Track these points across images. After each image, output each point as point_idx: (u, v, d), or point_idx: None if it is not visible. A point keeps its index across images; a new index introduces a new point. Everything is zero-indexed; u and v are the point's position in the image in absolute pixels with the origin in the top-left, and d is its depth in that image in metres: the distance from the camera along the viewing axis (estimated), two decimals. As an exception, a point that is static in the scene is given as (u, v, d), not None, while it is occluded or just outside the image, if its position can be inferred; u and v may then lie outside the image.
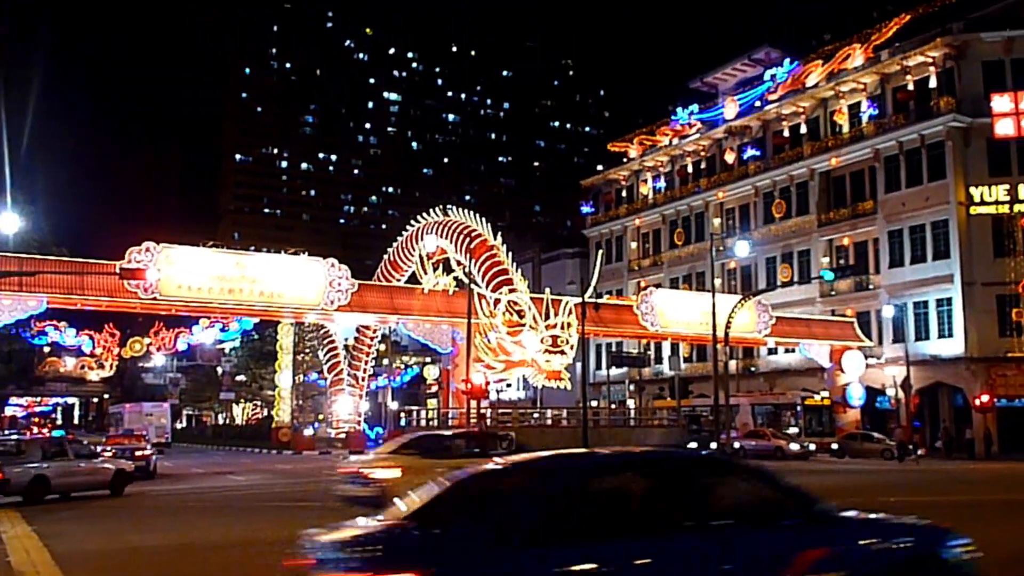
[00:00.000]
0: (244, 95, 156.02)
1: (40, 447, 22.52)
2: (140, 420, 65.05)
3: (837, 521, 6.38)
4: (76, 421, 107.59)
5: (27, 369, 75.43)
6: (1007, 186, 45.74)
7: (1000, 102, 45.73)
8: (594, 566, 5.22)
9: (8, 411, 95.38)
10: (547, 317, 36.52)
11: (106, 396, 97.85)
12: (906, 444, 40.07)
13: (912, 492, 22.33)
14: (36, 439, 25.93)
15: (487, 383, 35.33)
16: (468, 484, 6.25)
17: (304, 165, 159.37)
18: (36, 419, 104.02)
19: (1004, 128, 45.57)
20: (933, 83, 48.62)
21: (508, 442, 23.12)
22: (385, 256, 45.98)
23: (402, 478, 15.94)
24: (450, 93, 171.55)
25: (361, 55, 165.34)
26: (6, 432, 67.34)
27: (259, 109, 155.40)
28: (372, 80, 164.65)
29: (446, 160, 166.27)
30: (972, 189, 46.27)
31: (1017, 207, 45.31)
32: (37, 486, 20.77)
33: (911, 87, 49.80)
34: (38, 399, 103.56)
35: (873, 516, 6.94)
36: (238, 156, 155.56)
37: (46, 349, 73.61)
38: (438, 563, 5.00)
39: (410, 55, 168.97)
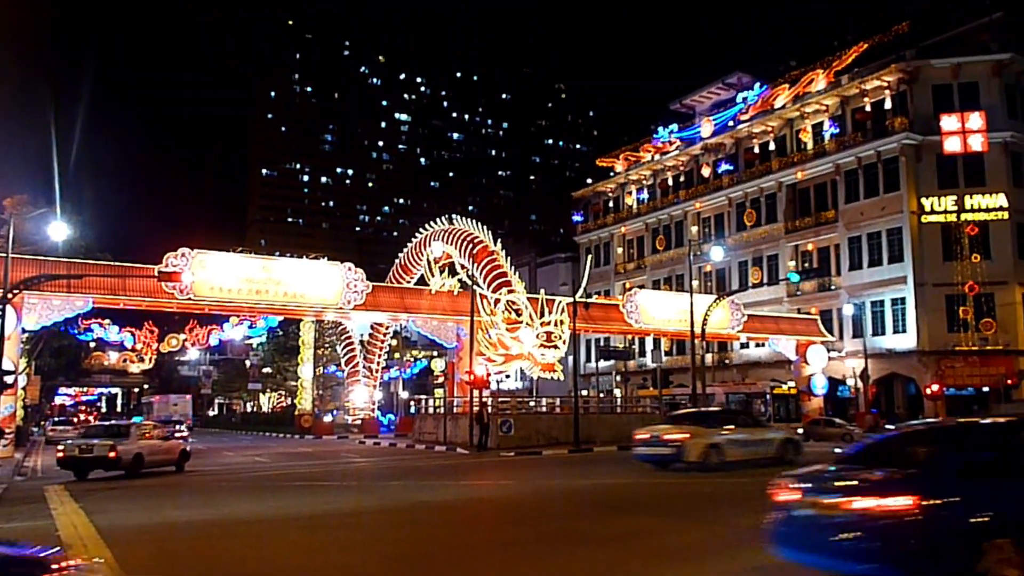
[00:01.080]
0: (270, 116, 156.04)
1: (136, 431, 24.09)
2: (167, 408, 65.80)
3: None
4: (119, 409, 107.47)
5: (75, 362, 75.40)
6: (954, 197, 45.78)
7: (948, 122, 45.77)
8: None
9: (58, 400, 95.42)
10: (542, 315, 36.53)
11: (145, 386, 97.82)
12: (876, 429, 40.14)
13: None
14: (133, 424, 26.87)
15: (488, 374, 35.29)
16: (904, 438, 8.73)
17: (324, 179, 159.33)
18: (83, 407, 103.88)
19: (952, 145, 45.61)
20: (888, 105, 48.67)
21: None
22: (396, 260, 45.95)
23: (689, 439, 20.79)
24: (455, 114, 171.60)
25: (375, 80, 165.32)
26: (56, 419, 67.25)
27: (283, 128, 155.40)
28: (384, 102, 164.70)
29: (451, 174, 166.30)
30: (923, 200, 46.32)
31: (963, 216, 45.34)
32: (136, 462, 22.42)
33: (868, 108, 49.85)
34: (84, 389, 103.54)
35: None
36: (264, 170, 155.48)
37: (92, 344, 73.57)
38: (924, 490, 6.89)
39: (419, 80, 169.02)
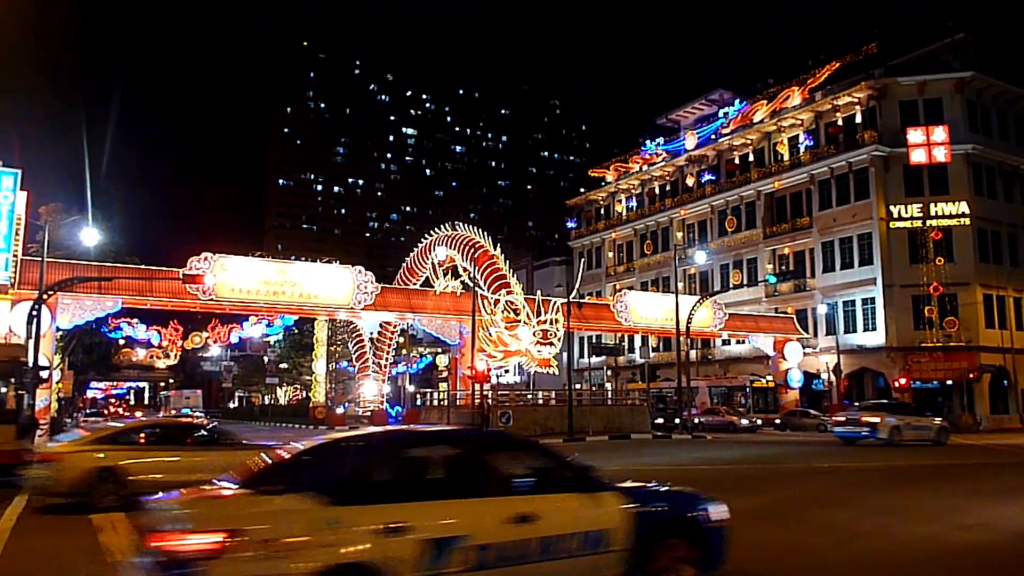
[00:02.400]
0: (286, 130, 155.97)
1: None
2: (181, 401, 66.23)
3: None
4: (146, 402, 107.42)
5: (105, 358, 75.22)
6: (920, 205, 45.80)
7: (915, 135, 45.81)
8: None
9: (89, 393, 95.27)
10: (538, 314, 36.51)
11: (171, 381, 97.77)
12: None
13: (845, 459, 22.36)
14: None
15: (488, 369, 35.27)
16: None
17: (336, 188, 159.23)
18: (112, 400, 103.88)
19: (918, 157, 45.64)
20: (859, 119, 48.67)
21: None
22: (403, 264, 45.89)
23: (880, 422, 26.34)
24: (457, 128, 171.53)
25: (383, 97, 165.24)
26: (88, 411, 67.15)
27: (298, 142, 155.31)
28: (392, 117, 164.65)
29: (454, 184, 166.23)
30: (891, 207, 46.32)
31: (929, 222, 45.36)
32: None
33: (840, 122, 49.87)
34: (114, 383, 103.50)
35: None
36: (281, 181, 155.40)
37: (121, 342, 73.43)
38: None
39: (424, 96, 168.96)
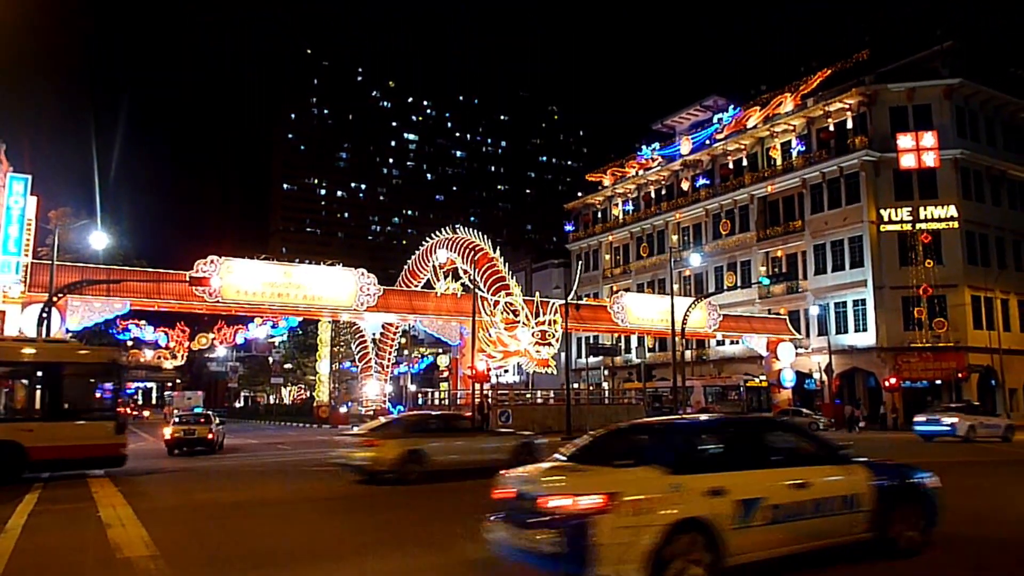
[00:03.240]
0: (290, 136, 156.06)
1: (214, 419, 28.69)
2: (183, 401, 66.49)
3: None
4: (153, 402, 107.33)
5: (113, 359, 75.35)
6: (910, 208, 45.87)
7: (904, 140, 45.90)
8: None
9: (97, 394, 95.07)
10: (537, 316, 36.54)
11: (178, 381, 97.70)
12: (856, 418, 40.32)
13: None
14: (212, 413, 31.72)
15: (488, 369, 35.28)
16: None
17: (339, 192, 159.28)
18: (120, 400, 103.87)
19: (907, 161, 45.73)
20: (850, 125, 48.74)
21: None
22: (405, 266, 45.91)
23: (959, 422, 28.58)
24: (458, 134, 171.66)
25: (385, 103, 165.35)
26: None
27: (302, 147, 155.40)
28: (394, 123, 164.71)
29: (455, 188, 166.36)
30: (881, 211, 46.38)
31: (918, 225, 45.43)
32: (218, 443, 27.16)
33: (832, 128, 49.91)
34: (18, 381, 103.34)
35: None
36: (285, 185, 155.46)
37: (129, 343, 73.46)
38: None
39: (425, 103, 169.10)
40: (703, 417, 10.34)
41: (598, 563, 6.20)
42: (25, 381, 17.45)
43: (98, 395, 18.14)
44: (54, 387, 17.18)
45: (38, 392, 17.26)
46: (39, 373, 17.25)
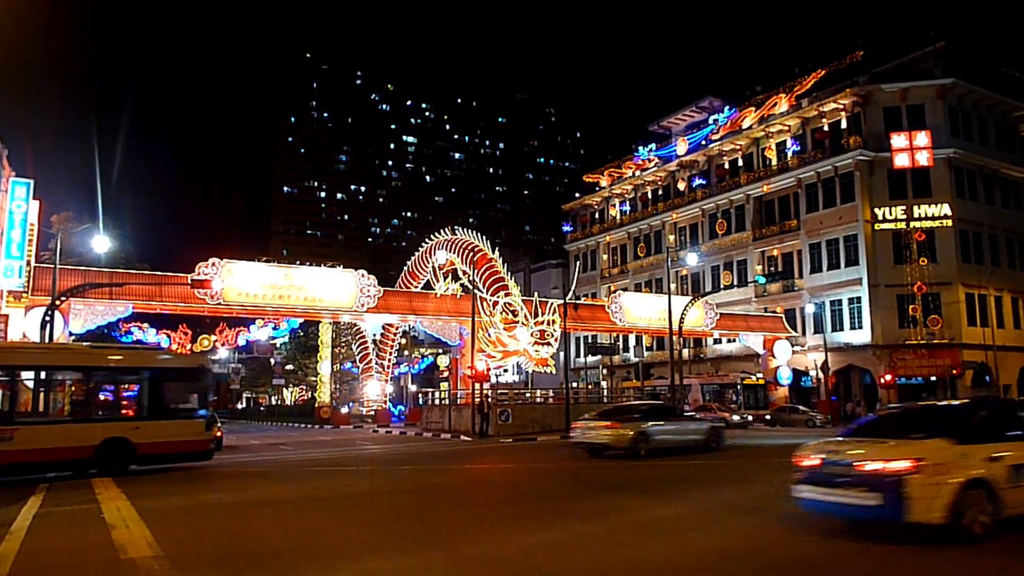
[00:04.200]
0: (291, 139, 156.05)
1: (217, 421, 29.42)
2: None
3: None
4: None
5: (116, 362, 75.13)
6: (904, 207, 45.92)
7: (898, 140, 45.92)
8: None
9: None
10: (536, 315, 36.54)
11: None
12: (857, 415, 40.34)
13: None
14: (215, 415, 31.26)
15: (488, 369, 35.29)
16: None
17: (339, 195, 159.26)
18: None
19: (901, 160, 45.76)
20: (844, 125, 48.77)
21: None
22: (405, 267, 45.94)
23: None
24: (456, 136, 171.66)
25: (384, 106, 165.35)
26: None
27: (303, 150, 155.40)
28: (393, 126, 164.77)
29: (453, 190, 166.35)
30: (876, 210, 46.42)
31: (912, 224, 45.47)
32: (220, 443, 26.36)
33: (826, 128, 49.96)
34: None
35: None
36: (286, 188, 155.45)
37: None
38: None
39: (424, 105, 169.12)
40: (969, 400, 12.12)
41: (910, 512, 8.18)
42: (133, 385, 19.61)
43: (191, 396, 20.32)
44: (156, 390, 19.36)
45: (143, 395, 19.33)
46: (144, 378, 19.35)
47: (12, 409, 17.80)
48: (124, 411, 19.63)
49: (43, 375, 18.55)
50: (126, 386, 19.90)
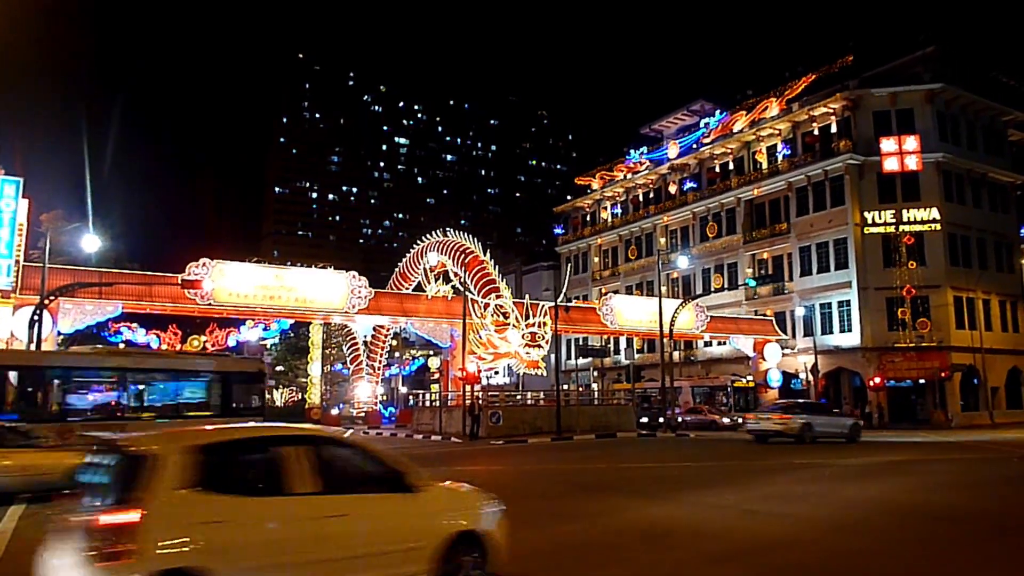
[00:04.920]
0: (282, 140, 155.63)
1: None
2: None
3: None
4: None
5: (105, 362, 74.76)
6: (893, 211, 46.10)
7: (887, 144, 46.12)
8: None
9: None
10: (527, 318, 36.50)
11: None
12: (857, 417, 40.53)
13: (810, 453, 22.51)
14: None
15: (479, 371, 35.22)
16: None
17: (331, 196, 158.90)
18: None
19: (891, 165, 45.96)
20: (834, 129, 48.93)
21: None
22: (396, 269, 45.84)
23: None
24: (448, 138, 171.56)
25: (377, 107, 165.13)
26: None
27: (294, 151, 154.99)
28: (385, 127, 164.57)
29: (445, 191, 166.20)
30: (866, 213, 46.58)
31: (901, 227, 45.65)
32: None
33: (816, 132, 50.11)
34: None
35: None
36: (277, 189, 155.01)
37: (121, 345, 73.03)
38: None
39: (416, 107, 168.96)
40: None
41: None
42: (208, 386, 22.45)
43: (253, 397, 23.38)
44: (227, 390, 22.23)
45: (216, 393, 22.26)
46: (218, 379, 22.34)
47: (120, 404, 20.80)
48: (202, 408, 22.04)
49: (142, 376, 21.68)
50: (203, 386, 22.61)
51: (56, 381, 20.61)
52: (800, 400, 32.76)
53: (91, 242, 30.98)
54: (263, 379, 23.62)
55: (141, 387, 21.59)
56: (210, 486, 5.59)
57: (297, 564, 5.76)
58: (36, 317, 23.69)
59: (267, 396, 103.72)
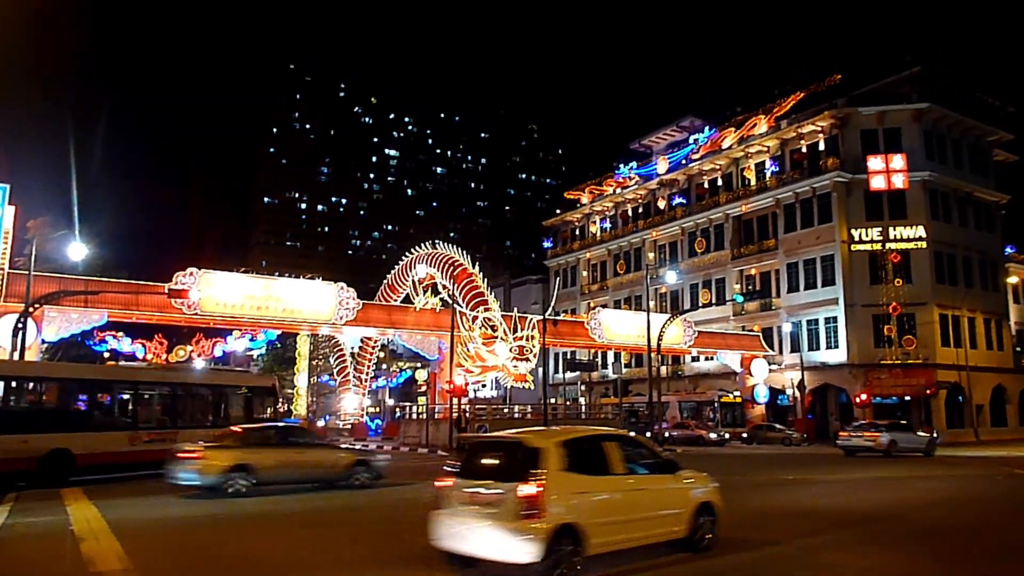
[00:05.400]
0: (272, 150, 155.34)
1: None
2: None
3: None
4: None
5: (90, 371, 74.14)
6: (880, 228, 46.44)
7: (874, 162, 46.53)
8: None
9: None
10: (515, 331, 36.48)
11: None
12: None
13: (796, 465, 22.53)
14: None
15: (466, 384, 35.14)
16: None
17: (320, 207, 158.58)
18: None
19: (878, 183, 46.35)
20: (822, 147, 49.34)
21: None
22: (385, 281, 45.76)
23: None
24: (438, 150, 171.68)
25: (367, 119, 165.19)
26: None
27: (284, 161, 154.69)
28: (376, 139, 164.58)
29: (435, 204, 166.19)
30: (853, 230, 46.90)
31: (888, 245, 45.99)
32: None
33: (804, 149, 50.51)
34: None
35: None
36: (266, 199, 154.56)
37: (106, 354, 72.32)
38: None
39: (407, 119, 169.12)
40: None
41: None
42: (229, 399, 24.22)
43: (267, 406, 25.59)
44: (249, 402, 24.51)
45: (239, 406, 24.14)
46: (240, 393, 24.72)
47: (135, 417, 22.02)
48: (221, 421, 22.87)
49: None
50: (224, 399, 24.21)
51: (126, 395, 22.67)
52: (885, 421, 33.98)
53: (77, 250, 30.79)
54: (276, 393, 26.00)
55: (190, 400, 23.67)
56: (572, 468, 8.18)
57: (621, 521, 8.50)
58: (20, 325, 23.48)
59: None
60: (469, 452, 9.08)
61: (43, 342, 28.73)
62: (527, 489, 7.63)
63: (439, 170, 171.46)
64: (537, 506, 7.59)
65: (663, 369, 48.04)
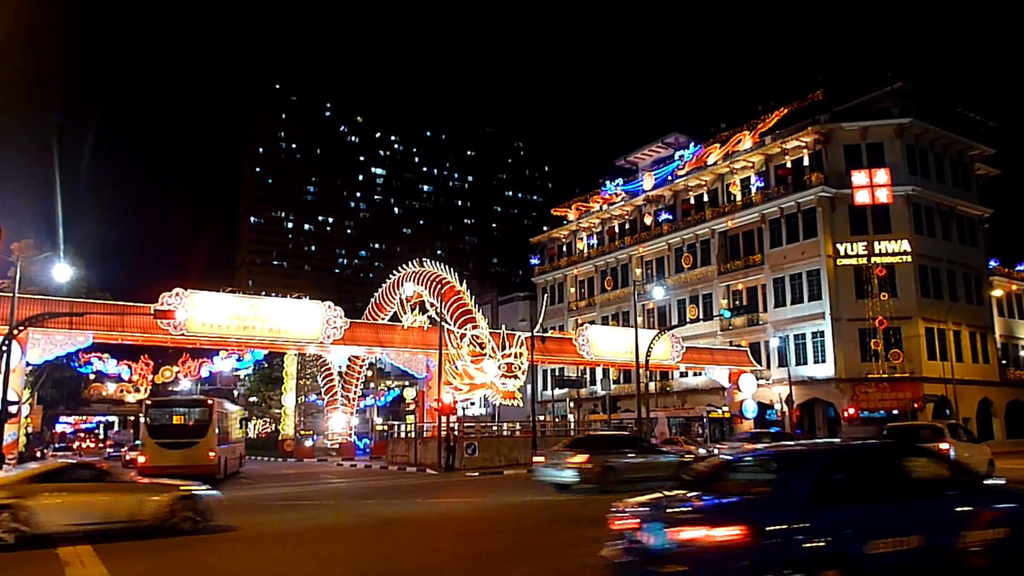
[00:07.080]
0: (258, 169, 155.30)
1: None
2: (126, 436, 66.48)
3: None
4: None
5: (75, 393, 73.42)
6: (865, 243, 46.83)
7: (858, 177, 46.99)
8: None
9: (59, 428, 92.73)
10: (503, 348, 36.49)
11: (140, 415, 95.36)
12: None
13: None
14: None
15: (455, 402, 35.02)
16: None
17: (307, 226, 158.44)
18: (82, 434, 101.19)
19: (862, 197, 46.79)
20: (806, 162, 49.78)
21: None
22: (372, 299, 45.69)
23: None
24: (425, 168, 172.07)
25: (353, 138, 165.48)
26: (56, 446, 65.36)
27: (270, 181, 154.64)
28: (362, 158, 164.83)
29: (422, 222, 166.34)
30: (838, 245, 47.26)
31: (873, 259, 46.36)
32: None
33: (789, 165, 50.95)
34: (84, 417, 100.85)
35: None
36: (252, 218, 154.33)
37: (91, 376, 71.68)
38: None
39: (393, 138, 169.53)
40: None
41: None
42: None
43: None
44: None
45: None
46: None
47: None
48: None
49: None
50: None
51: None
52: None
53: (62, 271, 30.64)
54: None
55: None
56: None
57: None
58: (5, 348, 23.29)
59: (241, 427, 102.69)
60: None
61: (27, 364, 28.51)
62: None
63: (426, 188, 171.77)
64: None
65: (651, 385, 48.07)
